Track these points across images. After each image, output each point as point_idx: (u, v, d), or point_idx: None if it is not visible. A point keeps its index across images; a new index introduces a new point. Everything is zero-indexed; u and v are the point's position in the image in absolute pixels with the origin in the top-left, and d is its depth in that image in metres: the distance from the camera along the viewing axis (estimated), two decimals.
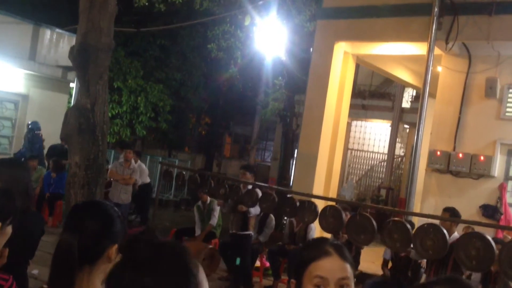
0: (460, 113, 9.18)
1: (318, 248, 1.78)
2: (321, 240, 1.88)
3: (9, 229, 1.94)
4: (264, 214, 8.64)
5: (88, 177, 3.55)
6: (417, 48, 9.34)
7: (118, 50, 14.15)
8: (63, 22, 13.38)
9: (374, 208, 11.37)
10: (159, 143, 21.35)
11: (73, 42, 13.25)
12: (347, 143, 18.62)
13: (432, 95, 9.57)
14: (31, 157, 10.80)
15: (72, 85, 14.26)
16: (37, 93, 13.00)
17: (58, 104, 13.41)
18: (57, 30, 13.19)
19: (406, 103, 18.38)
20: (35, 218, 3.32)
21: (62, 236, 1.78)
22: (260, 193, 7.53)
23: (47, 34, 12.93)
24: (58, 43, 13.15)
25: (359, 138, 20.22)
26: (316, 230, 8.63)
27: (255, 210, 7.87)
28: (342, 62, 10.34)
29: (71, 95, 14.47)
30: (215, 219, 9.12)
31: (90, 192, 3.58)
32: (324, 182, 10.48)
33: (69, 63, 13.23)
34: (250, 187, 7.60)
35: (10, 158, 3.45)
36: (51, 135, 11.59)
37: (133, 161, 10.04)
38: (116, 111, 15.14)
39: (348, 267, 1.76)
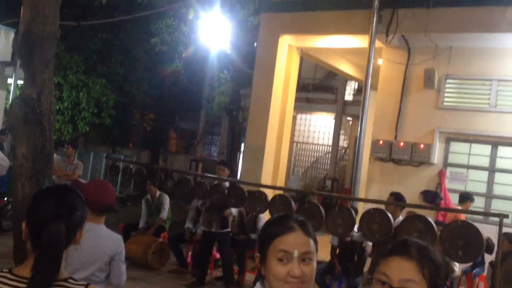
0: (400, 103, 9.51)
1: (283, 224, 1.84)
2: (286, 216, 1.92)
3: None
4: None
5: (36, 169, 3.48)
6: (359, 41, 9.60)
7: (58, 44, 13.71)
8: (0, 16, 12.89)
9: (321, 197, 11.62)
10: (103, 140, 20.93)
11: (10, 37, 12.86)
12: (292, 136, 18.87)
13: (374, 87, 9.86)
14: None
15: (10, 80, 13.79)
16: None
17: None
18: None
19: (348, 96, 18.81)
20: None
21: (51, 224, 1.79)
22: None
23: None
24: None
25: (304, 131, 20.54)
26: (265, 220, 8.74)
27: (235, 211, 8.08)
28: (287, 55, 10.49)
29: (9, 91, 13.98)
30: (165, 213, 9.05)
31: (38, 184, 3.50)
32: (271, 173, 10.62)
33: (6, 58, 12.83)
34: (227, 184, 7.62)
35: None
36: None
37: (76, 156, 9.85)
38: (57, 107, 14.71)
39: (311, 242, 1.83)
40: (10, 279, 1.79)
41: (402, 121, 9.51)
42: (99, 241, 3.18)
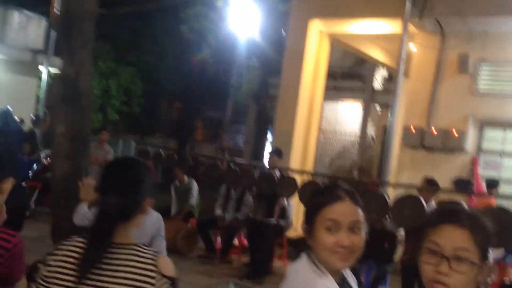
0: (433, 89, 9.35)
1: (331, 193, 1.83)
2: (334, 185, 1.90)
3: (7, 186, 1.90)
4: (241, 192, 8.67)
5: (74, 147, 3.52)
6: (391, 26, 9.44)
7: None
8: (32, 4, 13.06)
9: (349, 182, 11.51)
10: (131, 128, 21.11)
11: (42, 25, 13.01)
12: (319, 126, 18.73)
13: (405, 73, 9.70)
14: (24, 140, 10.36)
15: (42, 68, 14.00)
16: (6, 78, 12.71)
17: (28, 88, 13.16)
18: (26, 12, 12.88)
19: (377, 84, 18.57)
20: (18, 189, 3.30)
21: (103, 199, 1.86)
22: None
23: (16, 17, 12.61)
24: (27, 26, 12.85)
25: (331, 119, 20.37)
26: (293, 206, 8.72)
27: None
28: (317, 41, 10.39)
29: (40, 79, 14.19)
30: (194, 199, 9.07)
31: (76, 162, 3.54)
32: (300, 162, 10.57)
33: (38, 46, 13.00)
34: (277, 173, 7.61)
35: None
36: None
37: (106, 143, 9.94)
38: None
39: (360, 211, 1.81)
40: (82, 242, 1.86)
41: (434, 107, 9.35)
42: (144, 218, 3.20)
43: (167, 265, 1.86)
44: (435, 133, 9.19)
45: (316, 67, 10.60)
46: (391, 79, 13.39)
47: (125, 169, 1.97)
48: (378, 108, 19.03)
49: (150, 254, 1.85)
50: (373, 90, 18.13)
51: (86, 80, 3.47)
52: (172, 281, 1.85)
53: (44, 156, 10.01)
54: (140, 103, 16.34)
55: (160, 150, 8.89)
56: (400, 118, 9.43)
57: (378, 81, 18.50)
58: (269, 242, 7.99)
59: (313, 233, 1.81)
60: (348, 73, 19.15)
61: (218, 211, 8.90)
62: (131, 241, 1.89)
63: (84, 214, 3.44)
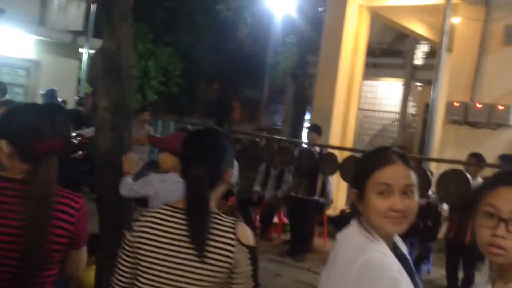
0: (477, 63, 9.06)
1: (382, 156, 1.76)
2: (385, 148, 1.84)
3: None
4: (281, 170, 8.63)
5: (117, 121, 3.52)
6: None
7: None
8: None
9: None
10: (169, 109, 21.31)
11: (81, 6, 13.15)
12: (358, 104, 18.48)
13: (448, 47, 9.42)
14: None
15: (82, 50, 14.18)
16: (48, 59, 12.92)
17: (69, 70, 13.34)
18: None
19: (418, 60, 18.14)
20: (70, 162, 3.35)
21: (191, 170, 1.88)
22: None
23: None
24: (67, 8, 13.00)
25: (371, 97, 20.06)
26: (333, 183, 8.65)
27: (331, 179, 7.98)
28: (356, 16, 10.19)
29: (81, 61, 14.39)
30: (234, 177, 9.07)
31: (119, 136, 3.55)
32: (339, 140, 10.45)
33: (78, 27, 13.14)
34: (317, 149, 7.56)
35: (49, 104, 3.48)
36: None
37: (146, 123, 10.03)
38: None
39: (413, 174, 1.73)
40: (168, 210, 1.91)
41: (479, 81, 9.06)
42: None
43: (246, 234, 1.89)
44: (480, 108, 8.92)
45: (355, 43, 10.40)
46: (432, 54, 13.03)
47: (209, 138, 1.99)
48: (418, 85, 18.64)
49: (230, 222, 1.88)
50: (413, 66, 17.74)
51: (126, 54, 3.46)
52: (251, 250, 1.87)
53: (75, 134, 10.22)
54: (178, 83, 16.41)
55: (200, 128, 8.90)
56: (443, 94, 9.19)
57: (419, 57, 18.07)
58: (310, 220, 7.95)
59: (364, 198, 1.74)
60: (388, 49, 18.77)
61: (258, 189, 8.90)
62: (213, 209, 1.92)
63: (130, 186, 3.48)
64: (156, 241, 1.85)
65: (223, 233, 1.84)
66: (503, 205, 1.55)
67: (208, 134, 2.03)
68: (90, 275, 3.66)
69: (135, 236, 1.89)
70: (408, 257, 1.85)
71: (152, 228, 1.86)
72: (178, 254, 1.84)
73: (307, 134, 7.91)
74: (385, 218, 1.70)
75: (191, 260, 1.83)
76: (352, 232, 1.77)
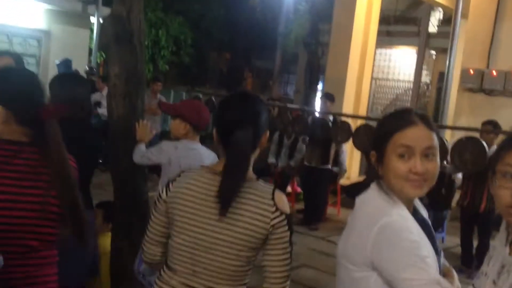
0: (494, 29, 8.87)
1: (403, 118, 1.70)
2: (406, 109, 1.78)
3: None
4: (294, 139, 8.59)
5: (129, 88, 3.49)
6: None
7: None
8: None
9: None
10: (181, 79, 21.24)
11: None
12: (371, 73, 18.29)
13: (463, 14, 9.21)
14: None
15: (93, 20, 14.08)
16: (59, 29, 12.86)
17: (80, 39, 13.28)
18: None
19: (432, 28, 17.82)
20: (92, 133, 3.27)
21: (237, 130, 1.86)
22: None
23: None
24: None
25: (384, 66, 19.83)
26: (347, 152, 8.61)
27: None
28: None
29: (92, 31, 14.31)
30: None
31: (132, 103, 3.53)
32: (352, 109, 10.36)
33: None
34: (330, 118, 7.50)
35: (68, 74, 3.45)
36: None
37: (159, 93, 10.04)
38: None
39: (434, 136, 1.69)
40: (206, 172, 1.93)
41: (495, 48, 8.89)
42: (201, 158, 3.21)
43: (283, 201, 1.90)
44: (495, 75, 8.77)
45: (368, 10, 10.21)
46: (447, 21, 12.78)
47: (249, 101, 1.97)
48: (433, 53, 18.37)
49: (268, 188, 1.90)
50: (428, 34, 17.43)
51: (137, 19, 3.41)
52: (287, 216, 1.88)
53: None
54: (190, 53, 16.29)
55: (212, 97, 8.87)
56: (458, 62, 9.03)
57: (433, 24, 17.74)
58: (324, 189, 7.92)
59: (383, 160, 1.69)
60: (402, 16, 18.46)
61: (271, 159, 8.89)
62: (251, 175, 1.92)
63: (143, 153, 3.47)
64: (192, 202, 1.88)
65: (261, 199, 1.86)
66: None
67: (247, 97, 2.00)
68: (106, 242, 3.69)
69: (171, 196, 1.92)
70: (429, 221, 1.83)
71: (189, 189, 1.89)
72: (213, 216, 1.85)
73: (320, 102, 7.82)
74: (406, 181, 1.65)
75: (225, 223, 1.84)
76: (371, 196, 1.73)
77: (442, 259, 1.78)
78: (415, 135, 1.66)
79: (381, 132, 1.73)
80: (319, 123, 7.61)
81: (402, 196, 1.68)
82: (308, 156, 7.81)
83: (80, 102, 3.13)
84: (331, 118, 7.65)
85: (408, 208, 1.71)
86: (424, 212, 1.85)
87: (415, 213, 1.75)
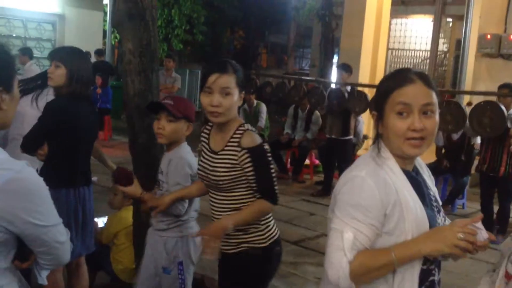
0: None
1: (402, 76, 1.71)
2: (404, 69, 1.79)
3: (16, 93, 1.68)
4: (309, 111, 8.59)
5: (143, 64, 3.51)
6: None
7: None
8: None
9: None
10: (196, 57, 21.23)
11: None
12: (387, 43, 18.06)
13: None
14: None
15: (105, 1, 14.11)
16: (72, 12, 12.94)
17: (94, 22, 13.36)
18: None
19: None
20: (90, 107, 3.43)
21: None
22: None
23: None
24: None
25: (400, 36, 19.55)
26: (364, 123, 8.59)
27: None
28: None
29: (105, 13, 14.36)
30: (263, 121, 9.07)
31: (147, 79, 3.56)
32: (368, 81, 10.30)
33: None
34: (348, 88, 7.45)
35: (73, 48, 3.50)
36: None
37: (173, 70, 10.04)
38: None
39: (433, 93, 1.69)
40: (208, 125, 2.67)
41: None
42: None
43: (248, 139, 2.41)
44: None
45: None
46: None
47: None
48: (449, 20, 18.05)
49: (240, 132, 2.45)
50: (443, 1, 17.10)
51: None
52: (250, 150, 2.39)
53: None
54: (203, 31, 16.23)
55: None
56: (475, 28, 8.89)
57: None
58: (348, 159, 7.75)
59: (383, 119, 1.72)
60: None
61: (288, 132, 8.90)
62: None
63: (182, 203, 2.96)
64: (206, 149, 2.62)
65: (234, 140, 2.43)
66: None
67: None
68: (128, 215, 3.77)
69: (199, 146, 2.66)
70: (425, 179, 1.85)
71: (203, 137, 2.64)
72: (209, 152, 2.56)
73: (336, 73, 7.74)
74: (404, 140, 1.68)
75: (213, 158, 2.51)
76: (365, 155, 1.79)
77: (442, 217, 1.81)
78: (413, 92, 1.66)
79: (381, 90, 1.75)
80: (337, 94, 7.55)
81: (402, 155, 1.72)
82: (329, 128, 7.78)
83: (88, 78, 3.34)
84: (348, 89, 7.58)
85: (405, 166, 1.75)
86: (427, 175, 1.89)
87: (416, 175, 1.80)
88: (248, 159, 2.39)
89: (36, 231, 1.60)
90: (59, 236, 1.67)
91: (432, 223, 1.71)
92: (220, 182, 2.45)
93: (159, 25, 15.34)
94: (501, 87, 6.17)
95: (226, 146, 2.45)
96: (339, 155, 7.71)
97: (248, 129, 2.45)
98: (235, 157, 2.41)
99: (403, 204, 1.65)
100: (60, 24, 12.90)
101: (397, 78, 1.72)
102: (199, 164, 2.61)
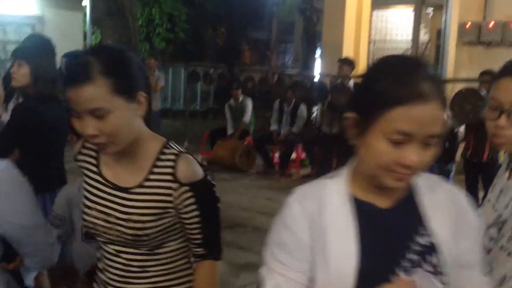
0: None
1: (410, 83, 1.15)
2: (414, 67, 1.19)
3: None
4: (294, 104, 8.60)
5: None
6: None
7: None
8: None
9: None
10: (178, 56, 21.15)
11: None
12: (369, 35, 18.13)
13: None
14: None
15: (85, 3, 13.99)
16: (51, 14, 12.83)
17: (73, 23, 13.25)
18: None
19: None
20: (59, 106, 3.19)
21: None
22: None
23: None
24: None
25: (381, 28, 19.62)
26: None
27: None
28: None
29: (85, 14, 14.23)
30: (248, 116, 9.08)
31: None
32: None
33: None
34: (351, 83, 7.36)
35: (37, 41, 3.30)
36: None
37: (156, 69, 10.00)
38: None
39: (444, 117, 1.18)
40: None
41: (490, 0, 8.81)
42: None
43: (186, 170, 1.61)
44: (492, 27, 8.72)
45: None
46: None
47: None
48: (430, 10, 18.17)
49: (171, 157, 1.63)
50: None
51: None
52: (192, 186, 1.61)
53: None
54: (185, 29, 16.17)
55: (210, 70, 8.89)
56: (455, 16, 8.97)
57: None
58: (348, 152, 7.78)
59: (366, 134, 1.19)
60: None
61: (274, 126, 8.92)
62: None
63: None
64: None
65: (162, 171, 1.60)
66: (503, 97, 1.61)
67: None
68: None
69: None
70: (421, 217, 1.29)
71: None
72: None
73: (338, 67, 7.72)
74: (388, 172, 1.19)
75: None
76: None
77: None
78: (421, 117, 1.13)
79: (375, 94, 1.18)
80: (339, 88, 7.50)
81: (374, 183, 1.25)
82: (328, 123, 7.75)
83: (52, 75, 3.12)
84: (351, 83, 7.56)
85: (373, 199, 1.27)
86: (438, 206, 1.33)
87: (392, 212, 1.28)
88: (192, 200, 1.61)
89: (20, 232, 1.58)
90: (45, 237, 1.66)
91: (375, 276, 1.20)
92: (144, 237, 1.60)
93: (140, 24, 15.24)
94: (483, 73, 6.25)
95: (147, 180, 1.60)
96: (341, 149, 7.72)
97: (181, 153, 1.62)
98: (169, 197, 1.60)
99: (322, 247, 1.23)
100: (39, 26, 12.77)
101: (404, 83, 1.15)
102: (86, 209, 1.65)
